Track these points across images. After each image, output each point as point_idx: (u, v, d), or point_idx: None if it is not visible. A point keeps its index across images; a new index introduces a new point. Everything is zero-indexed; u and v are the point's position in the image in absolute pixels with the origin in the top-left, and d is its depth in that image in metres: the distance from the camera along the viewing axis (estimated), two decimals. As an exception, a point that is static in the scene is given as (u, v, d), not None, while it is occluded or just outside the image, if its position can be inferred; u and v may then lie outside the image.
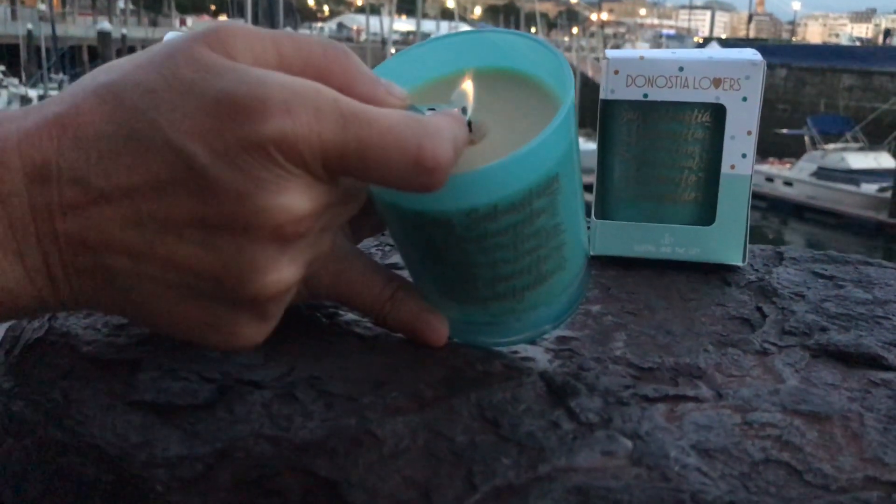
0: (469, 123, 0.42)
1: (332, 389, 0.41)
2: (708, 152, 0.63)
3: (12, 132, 0.32)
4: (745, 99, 0.61)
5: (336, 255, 0.44)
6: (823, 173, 15.92)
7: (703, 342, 0.49)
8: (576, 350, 0.47)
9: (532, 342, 0.47)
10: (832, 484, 0.35)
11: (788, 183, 16.27)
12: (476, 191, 0.38)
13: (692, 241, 0.63)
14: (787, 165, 17.41)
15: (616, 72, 0.63)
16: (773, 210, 15.76)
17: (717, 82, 0.61)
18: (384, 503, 0.35)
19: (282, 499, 0.36)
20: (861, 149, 17.22)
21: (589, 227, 0.62)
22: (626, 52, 0.64)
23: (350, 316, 0.50)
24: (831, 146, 17.40)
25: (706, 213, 0.63)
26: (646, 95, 0.62)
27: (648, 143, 0.63)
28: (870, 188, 15.01)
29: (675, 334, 0.50)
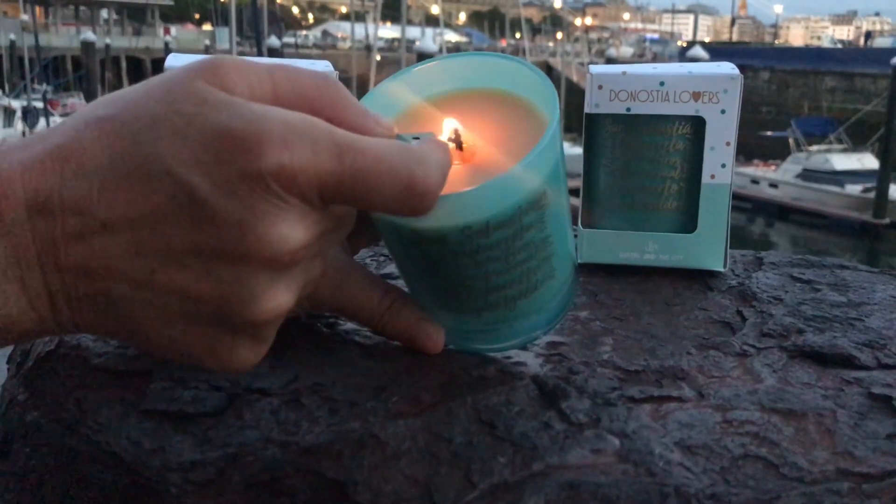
0: (460, 143, 0.45)
1: (336, 396, 0.43)
2: (689, 163, 0.66)
3: (14, 163, 0.33)
4: (723, 111, 0.64)
5: (336, 268, 0.46)
6: (808, 175, 16.05)
7: (686, 345, 0.52)
8: (565, 355, 0.49)
9: (524, 348, 0.50)
10: (806, 476, 0.38)
11: (773, 185, 16.39)
12: (470, 209, 0.41)
13: (675, 249, 0.66)
14: (772, 167, 17.54)
15: (600, 87, 0.65)
16: (758, 212, 15.88)
17: (696, 96, 0.64)
18: (388, 501, 0.37)
19: (291, 499, 0.38)
20: (845, 150, 17.36)
21: (576, 236, 0.65)
22: (609, 68, 0.66)
23: (350, 325, 0.52)
24: (815, 148, 17.54)
25: (688, 222, 0.66)
26: (629, 109, 0.65)
27: (632, 154, 0.66)
28: (854, 189, 15.15)
29: (659, 338, 0.53)
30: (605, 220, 0.68)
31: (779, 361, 0.50)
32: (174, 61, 0.58)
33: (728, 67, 0.65)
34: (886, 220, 13.89)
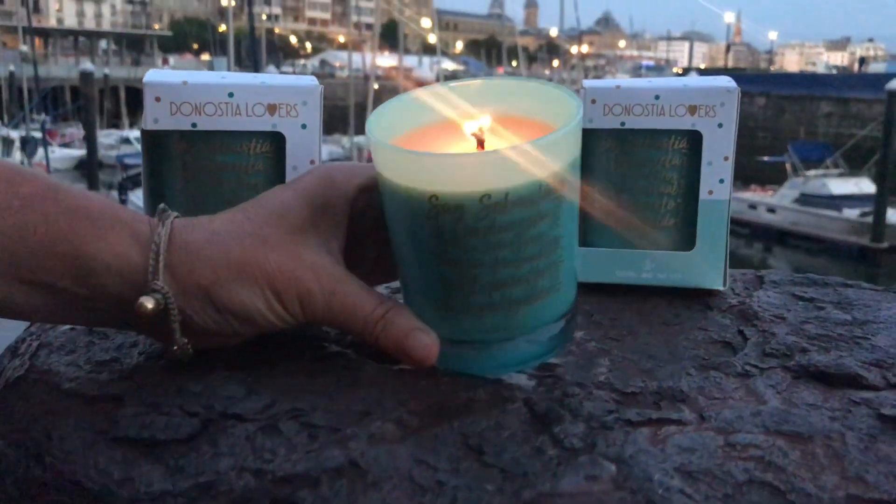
0: (482, 142, 0.46)
1: (316, 421, 0.40)
2: (686, 178, 0.64)
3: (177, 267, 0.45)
4: (720, 125, 0.62)
5: (330, 276, 0.46)
6: (805, 199, 16.06)
7: (686, 366, 0.49)
8: (560, 376, 0.47)
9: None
10: (815, 503, 0.36)
11: (771, 210, 16.40)
12: (491, 176, 0.41)
13: (673, 267, 0.64)
14: (770, 192, 17.56)
15: (593, 101, 0.64)
16: (756, 237, 15.86)
17: (692, 109, 0.62)
18: (369, 533, 0.34)
19: (266, 532, 0.36)
20: (842, 174, 17.39)
21: None
22: (602, 82, 0.65)
23: (335, 348, 0.50)
24: (812, 172, 17.57)
25: (686, 239, 0.64)
26: (623, 124, 0.63)
27: (627, 170, 0.64)
28: (852, 213, 15.16)
29: (657, 359, 0.50)
30: (601, 238, 0.66)
31: (783, 382, 0.47)
32: (153, 77, 0.57)
33: (725, 80, 0.64)
34: (885, 245, 13.88)
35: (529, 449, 0.38)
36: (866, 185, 16.68)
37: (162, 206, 0.48)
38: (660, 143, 0.64)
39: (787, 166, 18.92)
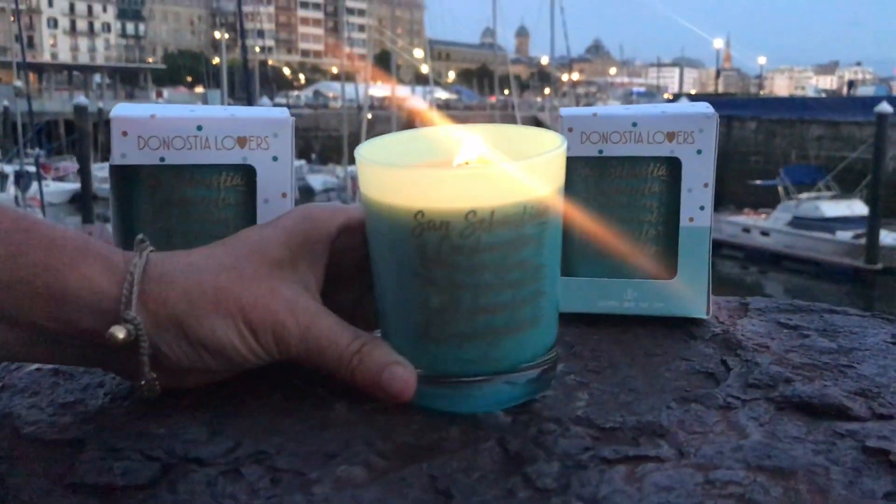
0: None
1: (280, 465, 0.39)
2: (666, 206, 0.63)
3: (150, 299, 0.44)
4: (699, 152, 0.61)
5: (305, 310, 0.45)
6: (799, 222, 16.10)
7: (667, 399, 0.48)
8: (536, 412, 0.46)
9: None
10: (797, 543, 0.34)
11: (765, 233, 16.43)
12: (477, 192, 0.42)
13: (655, 296, 0.63)
14: (763, 216, 17.61)
15: (570, 129, 0.63)
16: (751, 260, 15.87)
17: (670, 136, 0.62)
18: (331, 584, 0.33)
19: (225, 583, 0.34)
20: (834, 197, 17.45)
21: None
22: (579, 110, 0.64)
23: (305, 387, 0.49)
24: (805, 195, 17.64)
25: (667, 267, 0.63)
26: (601, 151, 0.62)
27: (606, 198, 0.63)
28: (845, 235, 15.19)
29: (638, 391, 0.49)
30: (582, 268, 0.65)
31: (765, 414, 0.46)
32: (120, 111, 0.56)
33: (703, 107, 0.63)
34: (879, 266, 13.90)
35: (500, 491, 0.37)
36: (859, 207, 16.76)
37: (140, 236, 0.47)
38: (639, 171, 0.63)
39: (780, 190, 19.02)
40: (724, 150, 22.96)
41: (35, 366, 0.53)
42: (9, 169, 19.48)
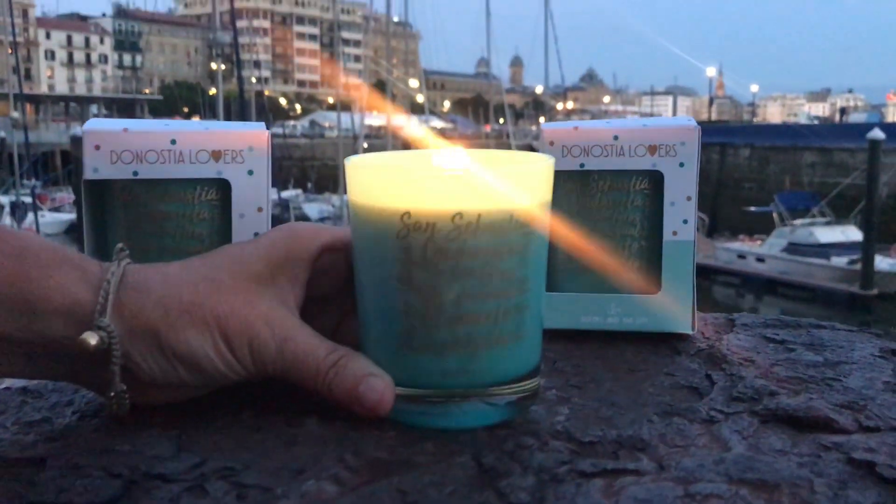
0: None
1: (246, 480, 0.38)
2: (649, 220, 0.62)
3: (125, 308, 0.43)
4: (682, 165, 0.61)
5: (282, 325, 0.45)
6: (794, 248, 16.12)
7: (648, 413, 0.47)
8: (514, 426, 0.45)
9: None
10: (779, 557, 0.33)
11: (760, 259, 16.44)
12: (464, 194, 0.42)
13: (639, 311, 0.62)
14: (758, 242, 17.63)
15: (551, 143, 0.62)
16: (746, 286, 15.86)
17: (652, 149, 0.61)
18: None
19: None
20: (828, 223, 17.49)
21: None
22: (560, 124, 0.63)
23: (278, 403, 0.47)
24: (799, 221, 17.67)
25: (651, 282, 0.62)
26: (582, 165, 0.62)
27: (588, 213, 0.63)
28: (840, 261, 15.20)
29: (619, 406, 0.48)
30: (565, 283, 0.64)
31: (749, 427, 0.45)
32: (93, 125, 0.55)
33: (685, 119, 0.62)
34: (874, 291, 13.90)
35: (472, 505, 0.36)
36: (853, 233, 16.82)
37: (120, 245, 0.46)
38: (621, 185, 0.62)
39: (774, 216, 19.07)
40: (718, 177, 23.07)
41: (4, 384, 0.52)
42: (4, 200, 19.49)
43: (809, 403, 0.47)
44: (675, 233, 0.61)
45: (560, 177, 0.62)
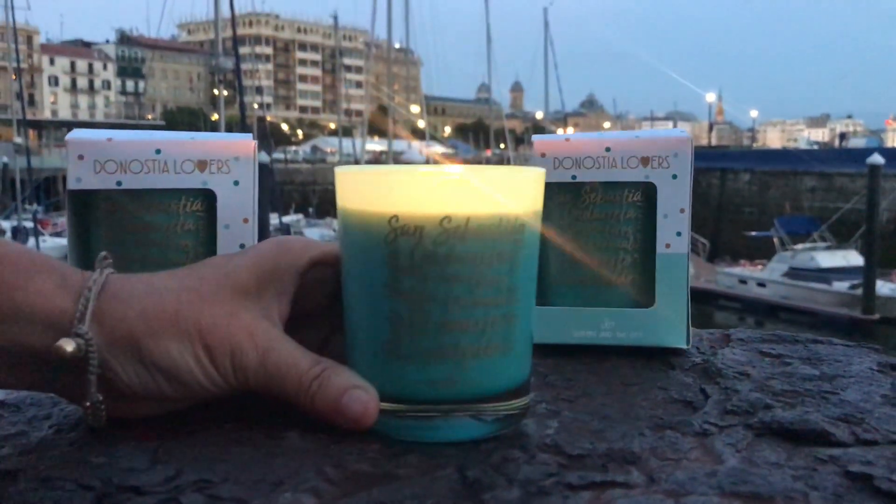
0: None
1: (222, 493, 0.37)
2: (642, 232, 0.61)
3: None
4: (675, 176, 0.60)
5: (265, 336, 0.44)
6: (795, 273, 16.09)
7: (640, 426, 0.46)
8: (502, 439, 0.43)
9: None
10: (772, 571, 0.32)
11: (762, 284, 16.41)
12: (453, 197, 0.41)
13: (633, 325, 0.61)
14: (759, 267, 17.60)
15: (543, 154, 0.61)
16: (748, 311, 15.82)
17: (645, 161, 0.60)
18: None
19: None
20: (829, 248, 17.47)
21: None
22: (552, 136, 0.63)
23: (258, 414, 0.46)
24: (800, 246, 17.65)
25: (645, 295, 0.61)
26: (574, 177, 0.61)
27: (581, 225, 0.62)
28: (841, 286, 15.17)
29: (611, 419, 0.47)
30: (557, 297, 0.63)
31: (743, 440, 0.44)
32: (77, 134, 0.55)
33: (677, 131, 0.62)
34: (876, 316, 13.86)
35: (454, 518, 0.34)
36: (854, 258, 16.80)
37: (103, 254, 0.46)
38: (613, 197, 0.61)
39: (775, 241, 19.07)
40: (719, 201, 23.10)
41: (-18, 398, 0.51)
42: (6, 225, 19.53)
43: (805, 416, 0.46)
44: (668, 245, 0.60)
45: (552, 189, 0.61)
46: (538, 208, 0.46)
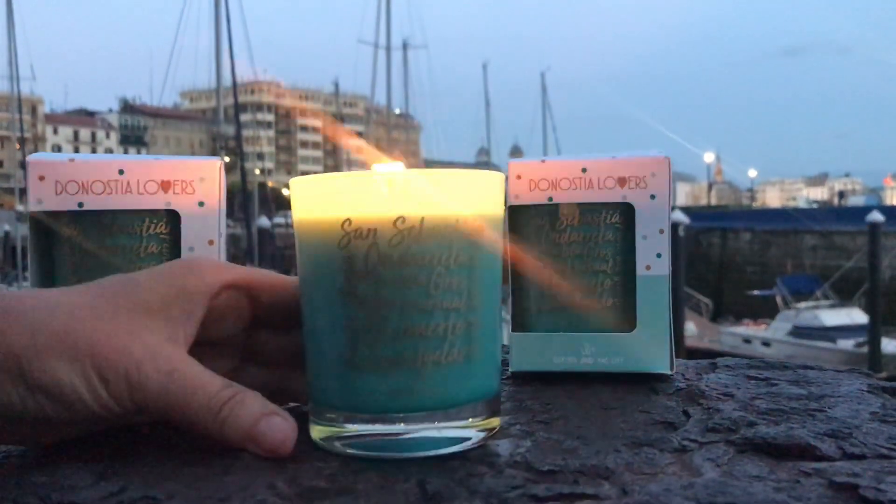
0: None
1: (166, 508, 0.34)
2: (621, 254, 0.60)
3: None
4: (653, 197, 0.59)
5: (168, 358, 0.40)
6: (799, 332, 15.97)
7: (616, 444, 0.43)
8: (469, 457, 0.41)
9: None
10: (749, 579, 0.29)
11: (766, 343, 16.29)
12: (406, 198, 0.40)
13: (614, 350, 0.59)
14: (763, 326, 17.50)
15: (518, 177, 0.60)
16: (753, 371, 15.67)
17: (622, 181, 0.59)
18: None
19: None
20: (832, 306, 17.39)
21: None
22: (527, 159, 0.62)
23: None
24: (803, 305, 17.57)
25: (626, 319, 0.59)
26: (550, 199, 0.60)
27: (558, 248, 0.60)
28: (846, 344, 15.05)
29: (586, 438, 0.45)
30: (537, 322, 0.61)
31: (724, 455, 0.41)
32: (38, 156, 0.54)
33: (654, 151, 0.61)
34: (883, 374, 13.74)
35: (408, 527, 0.32)
36: (858, 316, 16.73)
37: None
38: (590, 218, 0.60)
39: (778, 299, 19.01)
40: (720, 261, 23.10)
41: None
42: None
43: (790, 432, 0.44)
44: (648, 267, 0.59)
45: (530, 211, 0.60)
46: (498, 213, 0.45)
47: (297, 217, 0.44)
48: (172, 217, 0.53)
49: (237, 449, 0.41)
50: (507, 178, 0.56)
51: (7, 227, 27.01)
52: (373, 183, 0.42)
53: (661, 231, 0.59)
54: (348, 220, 0.40)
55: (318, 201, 0.42)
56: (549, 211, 0.60)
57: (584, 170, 0.59)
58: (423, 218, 0.40)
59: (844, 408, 0.49)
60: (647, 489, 0.36)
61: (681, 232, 12.66)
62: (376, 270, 0.40)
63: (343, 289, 0.41)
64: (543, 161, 0.60)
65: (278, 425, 0.40)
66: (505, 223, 0.60)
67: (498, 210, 0.45)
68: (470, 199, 0.42)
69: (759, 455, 0.42)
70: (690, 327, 15.58)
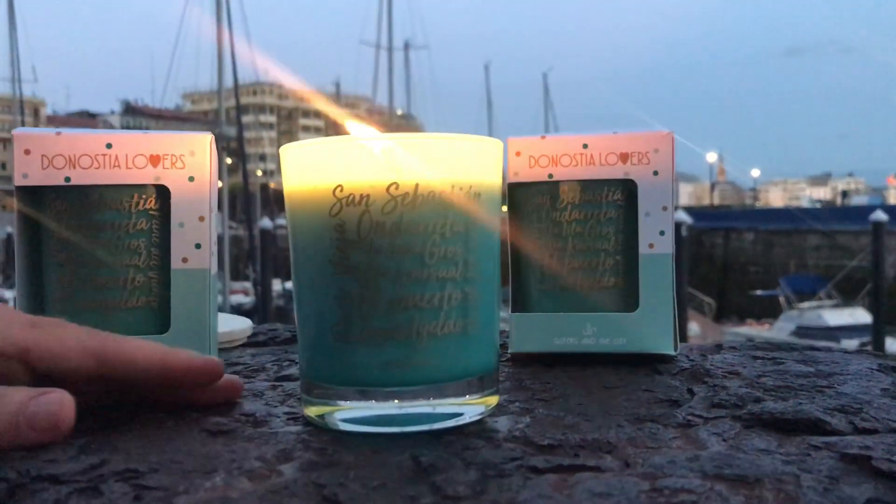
0: None
1: (148, 482, 0.33)
2: (623, 232, 0.58)
3: None
4: (656, 173, 0.57)
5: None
6: (803, 332, 15.91)
7: (619, 420, 0.42)
8: (465, 431, 0.40)
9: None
10: (758, 549, 0.28)
11: (769, 343, 16.24)
12: (400, 164, 0.39)
13: (616, 330, 0.57)
14: (766, 326, 17.45)
15: (518, 153, 0.59)
16: (756, 370, 15.63)
17: (624, 157, 0.58)
18: None
19: None
20: (836, 305, 17.34)
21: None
22: (528, 136, 0.60)
23: (203, 412, 0.43)
24: (806, 305, 17.51)
25: (629, 299, 0.58)
26: (551, 176, 0.58)
27: (559, 227, 0.59)
28: (850, 344, 15.00)
29: (587, 415, 0.43)
30: (537, 302, 0.59)
31: (731, 430, 0.40)
32: (24, 130, 0.52)
33: (658, 126, 0.59)
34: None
35: (399, 498, 0.31)
36: (861, 315, 16.69)
37: None
38: (592, 196, 0.58)
39: (781, 299, 18.97)
40: (724, 261, 23.04)
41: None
42: (9, 294, 19.54)
43: (799, 407, 0.42)
44: (651, 245, 0.57)
45: (530, 189, 0.59)
46: (496, 181, 0.43)
47: (288, 185, 0.42)
48: (162, 192, 0.52)
49: (232, 425, 0.40)
50: (505, 151, 0.55)
51: (9, 229, 27.01)
52: (366, 148, 0.40)
53: (665, 208, 0.57)
54: (340, 186, 0.39)
55: (308, 168, 0.41)
56: (550, 188, 0.59)
57: (585, 146, 0.58)
58: (417, 184, 0.39)
59: (854, 385, 0.47)
60: (651, 461, 0.35)
61: (683, 232, 12.62)
62: (369, 239, 0.39)
63: (335, 258, 0.39)
64: (543, 137, 0.59)
65: (48, 400, 0.37)
66: (504, 199, 0.58)
67: (496, 178, 0.43)
68: (466, 166, 0.40)
69: (766, 430, 0.40)
70: (693, 327, 15.53)
